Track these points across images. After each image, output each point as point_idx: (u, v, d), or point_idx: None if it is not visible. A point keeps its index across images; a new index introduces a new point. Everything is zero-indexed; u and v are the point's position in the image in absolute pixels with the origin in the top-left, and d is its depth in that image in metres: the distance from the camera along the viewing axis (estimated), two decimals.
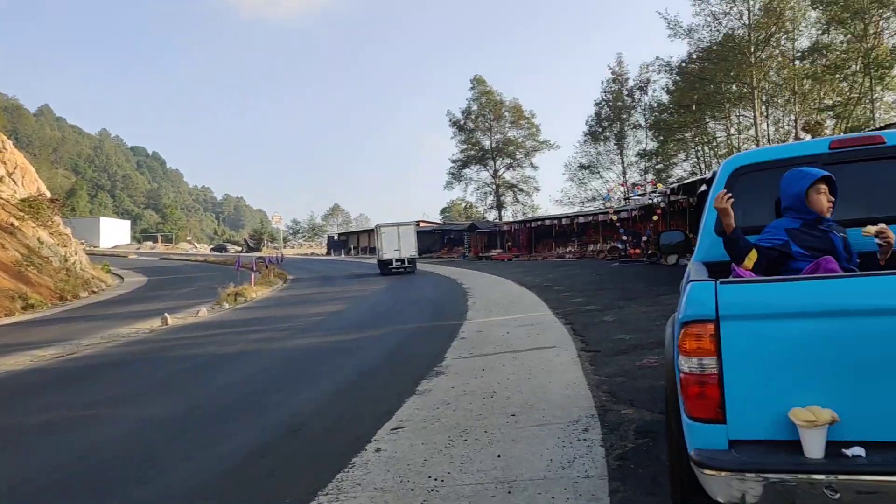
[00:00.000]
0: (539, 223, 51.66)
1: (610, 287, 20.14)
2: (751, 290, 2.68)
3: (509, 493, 4.76)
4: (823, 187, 3.87)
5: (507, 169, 72.03)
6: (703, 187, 5.18)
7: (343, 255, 78.88)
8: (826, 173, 3.87)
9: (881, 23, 33.49)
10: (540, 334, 12.01)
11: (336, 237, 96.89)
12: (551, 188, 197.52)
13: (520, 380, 8.35)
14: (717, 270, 3.74)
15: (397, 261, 37.49)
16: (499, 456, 5.54)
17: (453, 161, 73.31)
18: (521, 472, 5.14)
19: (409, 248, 38.27)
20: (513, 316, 15.03)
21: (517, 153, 70.87)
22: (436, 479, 5.12)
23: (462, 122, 72.22)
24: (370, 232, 67.48)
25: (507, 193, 72.47)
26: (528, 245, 51.71)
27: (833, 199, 3.88)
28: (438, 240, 71.94)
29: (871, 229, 3.71)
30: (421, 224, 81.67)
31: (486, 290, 23.23)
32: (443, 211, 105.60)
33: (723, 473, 2.52)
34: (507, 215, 70.77)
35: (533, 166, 71.98)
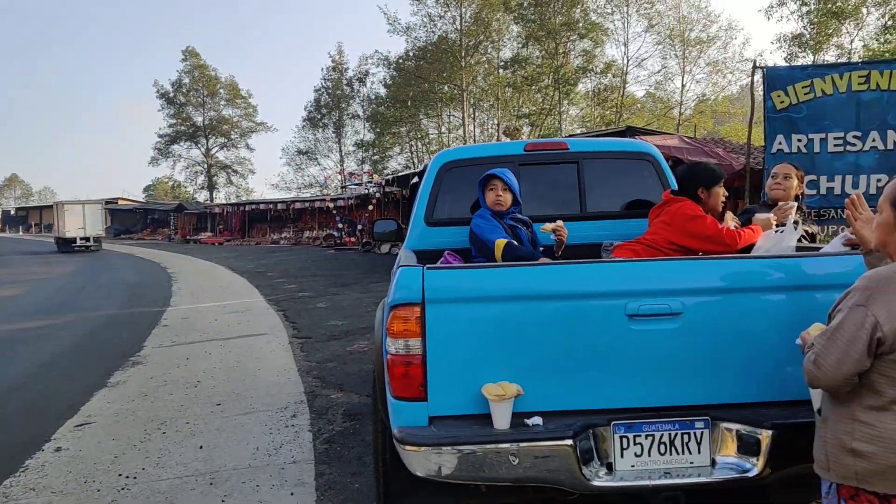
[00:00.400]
0: (254, 207, 50.35)
1: (325, 274, 20.31)
2: (454, 275, 2.84)
3: (211, 484, 4.57)
4: (495, 183, 4.11)
5: (221, 148, 69.07)
6: (416, 179, 5.47)
7: (21, 233, 69.73)
8: (494, 172, 4.11)
9: (568, 44, 37.87)
10: (251, 321, 11.72)
11: (13, 212, 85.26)
12: (268, 172, 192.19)
13: (228, 368, 8.07)
14: (426, 257, 3.93)
15: (82, 239, 35.26)
16: (201, 447, 5.29)
17: (161, 136, 68.46)
18: (224, 463, 4.96)
19: (96, 227, 36.48)
20: (223, 302, 14.47)
21: (232, 133, 68.22)
22: (128, 477, 4.74)
23: (172, 95, 67.62)
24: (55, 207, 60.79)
25: (220, 174, 69.55)
26: (242, 229, 50.18)
27: (501, 195, 4.09)
28: (141, 220, 66.84)
29: (549, 226, 4.16)
30: (120, 202, 74.91)
31: (194, 274, 22.10)
32: (147, 189, 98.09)
33: (422, 448, 2.65)
34: (220, 197, 67.98)
35: (249, 147, 69.81)
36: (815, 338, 2.19)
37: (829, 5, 27.04)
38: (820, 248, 3.28)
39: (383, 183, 32.99)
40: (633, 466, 2.76)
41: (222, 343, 9.67)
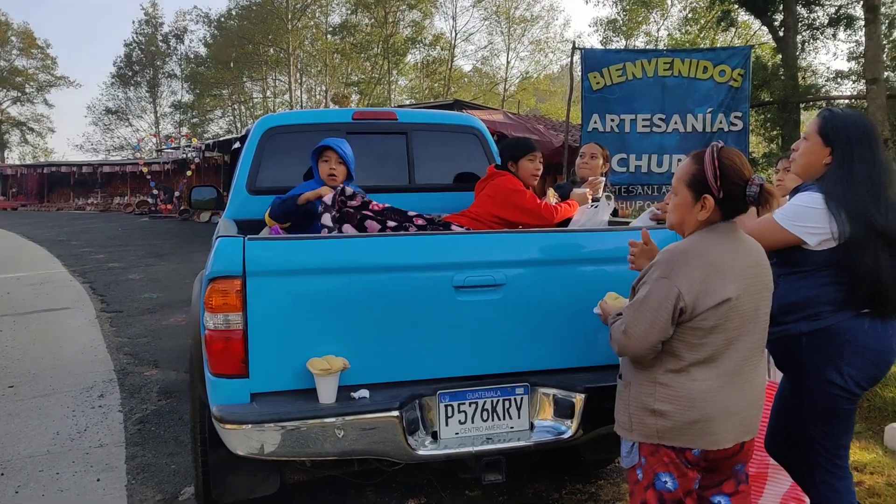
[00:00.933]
0: (54, 169, 45.90)
1: (138, 243, 19.01)
2: (276, 247, 2.73)
3: (2, 475, 4.15)
4: (329, 155, 4.00)
5: (14, 103, 62.12)
6: (237, 145, 5.18)
7: None
8: (326, 143, 4.01)
9: (398, 13, 37.80)
10: (51, 294, 10.74)
11: None
12: (72, 131, 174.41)
13: (22, 346, 7.35)
14: (247, 227, 3.76)
15: None
16: None
17: None
18: (18, 451, 4.52)
19: None
20: (17, 274, 13.14)
21: (27, 86, 61.53)
22: None
23: None
24: None
25: (13, 132, 62.63)
26: (40, 193, 45.68)
27: (335, 168, 3.99)
28: None
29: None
30: None
31: None
32: None
33: (243, 427, 2.54)
34: (13, 157, 61.30)
35: (48, 104, 63.26)
36: (622, 309, 2.32)
37: None
38: (629, 223, 3.49)
39: (203, 148, 31.33)
40: (457, 434, 2.82)
41: (15, 319, 8.79)
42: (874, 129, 2.76)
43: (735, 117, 13.22)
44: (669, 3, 29.08)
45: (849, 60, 17.14)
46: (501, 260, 2.87)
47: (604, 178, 4.64)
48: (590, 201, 4.14)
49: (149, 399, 5.65)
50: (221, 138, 32.01)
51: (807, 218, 2.64)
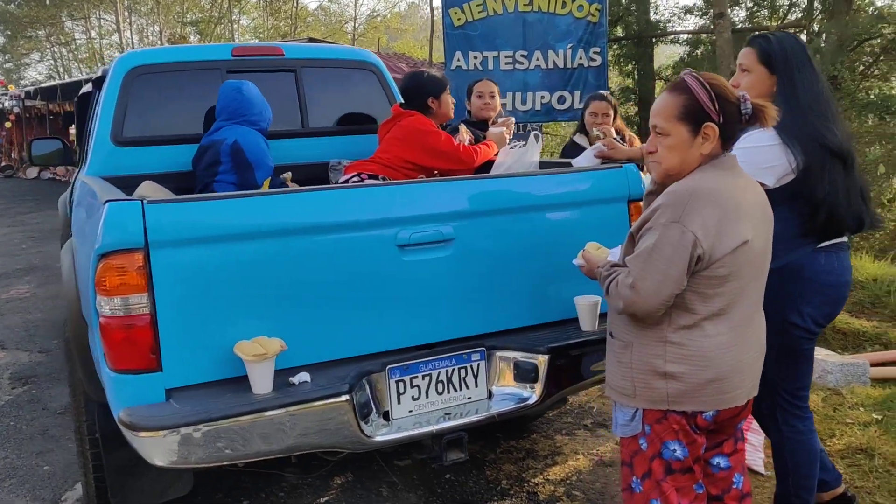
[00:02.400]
0: None
1: None
2: (185, 209, 2.22)
3: None
4: None
5: None
6: (88, 87, 4.46)
7: None
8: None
9: None
10: None
11: None
12: None
13: None
14: (119, 186, 3.17)
15: None
16: None
17: None
18: None
19: None
20: None
21: None
22: None
23: None
24: None
25: None
26: None
27: None
28: None
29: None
30: None
31: None
32: None
33: (161, 433, 2.07)
34: None
35: None
36: (627, 260, 2.04)
37: None
38: (569, 163, 3.22)
39: (22, 96, 28.16)
40: (410, 412, 2.49)
41: None
42: (806, 46, 2.63)
43: (594, 52, 13.35)
44: None
45: None
46: (449, 211, 2.52)
47: (513, 118, 4.35)
48: (508, 141, 3.85)
49: (0, 387, 4.88)
50: (43, 84, 28.92)
51: (763, 158, 2.46)
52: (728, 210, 1.98)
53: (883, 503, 2.99)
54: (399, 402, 2.47)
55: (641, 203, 2.76)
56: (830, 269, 2.48)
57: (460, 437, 2.49)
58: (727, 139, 2.07)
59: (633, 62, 16.13)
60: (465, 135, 3.77)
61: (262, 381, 2.22)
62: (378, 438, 2.34)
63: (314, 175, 3.98)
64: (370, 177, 3.53)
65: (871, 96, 12.22)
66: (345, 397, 2.26)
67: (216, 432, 2.11)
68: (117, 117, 3.70)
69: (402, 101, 3.75)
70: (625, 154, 2.87)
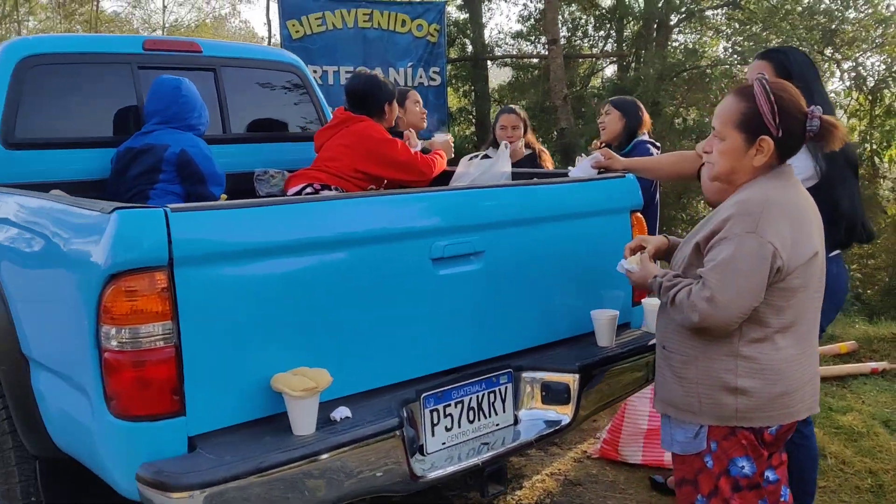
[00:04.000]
0: None
1: None
2: (216, 218, 1.84)
3: None
4: None
5: None
6: None
7: None
8: None
9: None
10: None
11: None
12: None
13: None
14: None
15: None
16: None
17: None
18: None
19: None
20: None
21: None
22: None
23: None
24: None
25: None
26: None
27: None
28: None
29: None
30: None
31: None
32: None
33: (204, 491, 1.68)
34: None
35: None
36: (704, 272, 1.95)
37: None
38: (565, 174, 3.12)
39: None
40: (444, 444, 2.25)
41: None
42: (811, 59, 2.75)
43: (434, 72, 13.55)
44: None
45: (518, 21, 18.56)
46: (480, 222, 2.32)
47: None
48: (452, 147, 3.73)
49: None
50: None
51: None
52: (800, 221, 1.98)
53: (849, 500, 3.16)
54: (433, 434, 2.23)
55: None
56: (839, 276, 2.58)
57: (501, 468, 2.29)
58: (786, 154, 2.04)
59: (470, 83, 16.54)
60: (415, 142, 3.57)
61: (305, 420, 1.89)
62: (430, 476, 2.09)
63: (238, 186, 3.58)
64: (323, 187, 3.23)
65: (689, 122, 13.41)
66: (397, 433, 1.98)
67: (266, 485, 1.75)
68: (7, 115, 3.11)
69: (347, 105, 3.48)
70: (622, 164, 2.83)
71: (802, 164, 2.49)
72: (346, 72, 12.79)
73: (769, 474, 2.16)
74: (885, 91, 13.82)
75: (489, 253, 2.34)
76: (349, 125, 3.35)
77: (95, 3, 34.46)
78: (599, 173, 2.85)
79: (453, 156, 3.77)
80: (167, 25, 36.24)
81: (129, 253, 1.72)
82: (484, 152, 3.41)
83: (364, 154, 3.25)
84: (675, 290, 2.01)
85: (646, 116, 4.06)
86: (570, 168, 3.11)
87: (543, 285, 2.51)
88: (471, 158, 3.47)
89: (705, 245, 2.00)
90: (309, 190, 3.21)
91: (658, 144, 4.09)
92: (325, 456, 1.84)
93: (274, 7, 15.02)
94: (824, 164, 2.47)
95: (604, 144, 4.02)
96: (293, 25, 12.81)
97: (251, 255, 1.88)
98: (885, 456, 3.48)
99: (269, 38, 12.40)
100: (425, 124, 4.10)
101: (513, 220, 2.41)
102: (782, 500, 2.20)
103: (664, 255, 2.36)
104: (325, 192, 3.09)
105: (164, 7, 36.20)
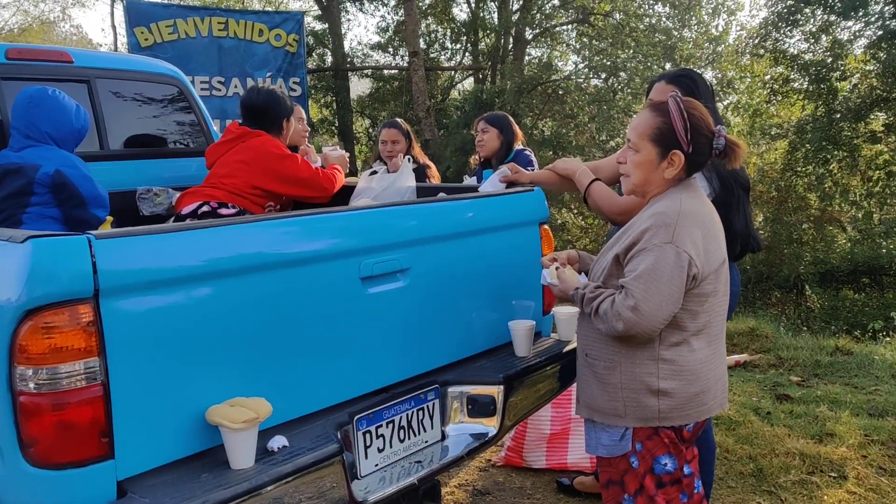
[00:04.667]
0: None
1: None
2: (141, 244, 1.71)
3: None
4: None
5: None
6: None
7: None
8: None
9: None
10: None
11: None
12: None
13: None
14: None
15: None
16: None
17: None
18: None
19: None
20: None
21: None
22: None
23: None
24: None
25: None
26: None
27: None
28: None
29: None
30: None
31: None
32: None
33: None
34: None
35: None
36: (626, 283, 2.04)
37: None
38: (475, 188, 3.14)
39: None
40: (377, 466, 2.21)
41: None
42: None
43: (294, 83, 13.40)
44: None
45: (377, 33, 18.67)
46: (405, 239, 2.30)
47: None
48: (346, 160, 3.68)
49: None
50: None
51: None
52: (710, 231, 2.12)
53: (735, 485, 3.41)
54: (367, 457, 2.18)
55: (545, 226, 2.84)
56: (734, 280, 2.78)
57: (435, 485, 2.28)
58: (693, 168, 2.17)
59: (331, 94, 16.41)
60: (315, 157, 3.49)
61: (245, 453, 1.79)
62: (369, 500, 2.04)
63: (120, 206, 3.36)
64: (220, 205, 3.10)
65: (546, 133, 13.99)
66: (337, 458, 1.93)
67: None
68: None
69: (242, 119, 3.36)
70: (528, 178, 2.91)
71: (702, 186, 2.66)
72: (202, 82, 12.37)
73: (685, 468, 2.29)
74: (719, 103, 15.09)
75: (414, 269, 2.32)
76: (245, 140, 3.22)
77: None
78: (507, 188, 2.91)
79: (348, 170, 3.72)
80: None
81: (47, 286, 1.56)
82: (373, 168, 3.40)
83: (263, 170, 3.14)
84: (599, 301, 2.09)
85: (517, 128, 4.21)
86: (465, 177, 3.16)
87: (463, 299, 2.53)
88: (371, 174, 3.45)
89: (625, 256, 2.10)
90: (206, 208, 3.05)
91: (531, 150, 4.25)
92: (269, 488, 1.76)
93: (119, 13, 14.22)
94: (718, 185, 2.62)
95: (482, 160, 4.13)
96: (142, 33, 12.24)
97: (181, 282, 1.76)
98: (761, 442, 3.77)
99: (115, 45, 11.70)
100: (306, 141, 4.02)
101: (435, 236, 2.41)
102: (696, 491, 2.33)
103: (575, 268, 2.44)
104: (249, 214, 2.97)
105: None
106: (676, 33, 15.11)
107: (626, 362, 2.12)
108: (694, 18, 15.63)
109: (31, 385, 1.58)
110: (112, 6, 11.67)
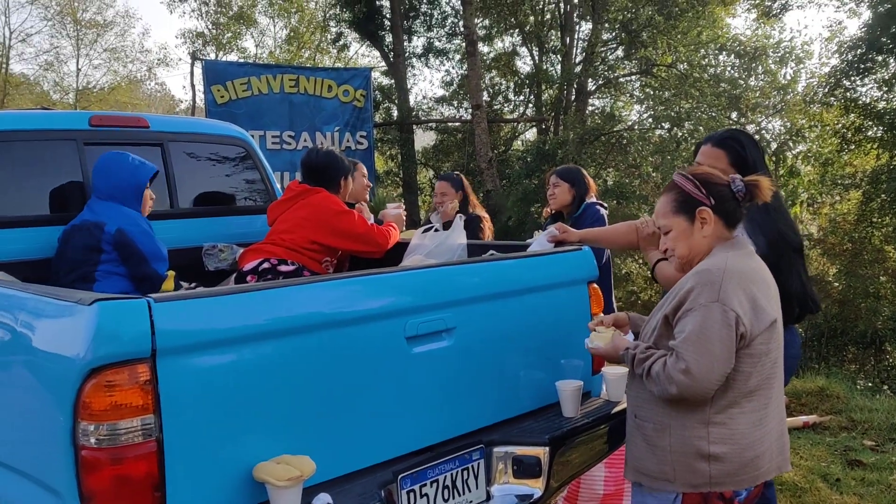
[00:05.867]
0: None
1: None
2: (197, 307, 1.82)
3: None
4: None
5: None
6: None
7: None
8: (155, 169, 3.28)
9: None
10: None
11: None
12: None
13: None
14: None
15: None
16: None
17: None
18: None
19: None
20: None
21: None
22: None
23: None
24: None
25: None
26: None
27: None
28: None
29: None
30: None
31: None
32: None
33: None
34: None
35: None
36: (675, 345, 2.04)
37: (228, 10, 28.19)
38: (524, 247, 3.19)
39: None
40: None
41: None
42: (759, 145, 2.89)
43: (361, 136, 13.74)
44: (268, 21, 28.95)
45: (441, 87, 19.12)
46: (451, 299, 2.36)
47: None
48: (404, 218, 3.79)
49: None
50: None
51: None
52: (758, 288, 2.10)
53: None
54: None
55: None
56: (792, 343, 2.72)
57: None
58: (729, 218, 2.18)
59: (396, 146, 16.79)
60: (369, 215, 3.61)
61: None
62: None
63: (186, 261, 3.53)
64: (280, 262, 3.23)
65: (609, 183, 13.93)
66: None
67: None
68: None
69: (302, 178, 3.52)
70: (577, 237, 2.95)
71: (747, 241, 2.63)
72: (273, 136, 12.86)
73: None
74: (787, 153, 14.78)
75: (460, 329, 2.37)
76: (305, 197, 3.38)
77: (4, 65, 33.50)
78: (556, 247, 2.94)
79: (405, 228, 3.83)
80: (80, 88, 35.52)
81: (110, 346, 1.67)
82: (430, 219, 3.50)
83: (321, 225, 3.28)
84: (650, 363, 2.09)
85: (591, 181, 4.26)
86: (536, 232, 3.22)
87: (510, 358, 2.56)
88: (424, 231, 3.54)
89: (673, 317, 2.10)
90: (266, 265, 3.19)
91: (605, 204, 4.28)
92: None
93: (198, 72, 14.97)
94: (765, 246, 2.57)
95: (553, 212, 4.19)
96: (218, 90, 12.80)
97: (233, 343, 1.86)
98: None
99: (193, 103, 12.31)
100: (368, 196, 4.18)
101: (482, 296, 2.46)
102: None
103: (625, 331, 2.45)
104: (306, 276, 3.13)
105: (79, 70, 35.52)
106: (742, 83, 14.95)
107: (675, 425, 2.10)
108: (760, 67, 15.47)
109: (93, 440, 1.68)
110: (192, 66, 12.27)
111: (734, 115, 13.86)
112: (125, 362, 1.69)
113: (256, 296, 1.94)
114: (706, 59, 15.30)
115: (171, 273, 3.22)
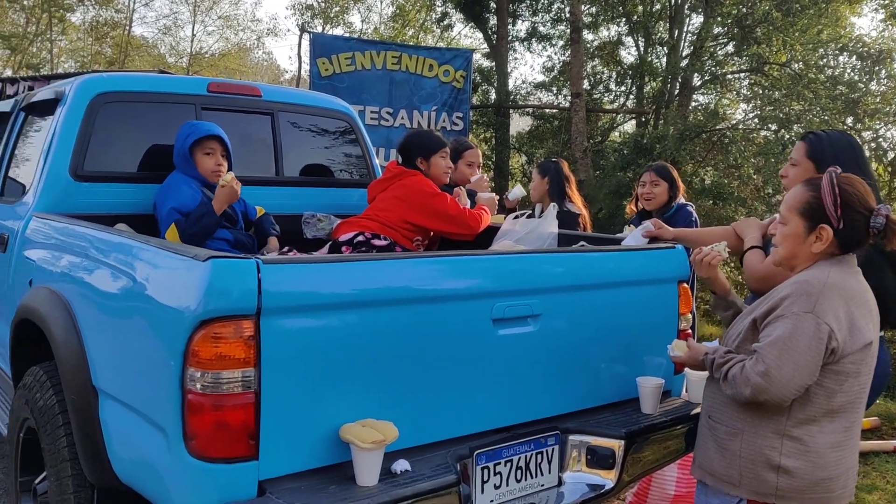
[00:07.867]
0: None
1: None
2: (304, 272, 1.93)
3: None
4: (213, 147, 3.32)
5: None
6: (5, 107, 3.69)
7: None
8: (215, 132, 3.32)
9: None
10: None
11: None
12: None
13: None
14: None
15: None
16: None
17: None
18: None
19: None
20: None
21: None
22: None
23: None
24: None
25: None
26: None
27: (222, 163, 3.36)
28: None
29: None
30: None
31: None
32: None
33: None
34: None
35: None
36: (759, 348, 2.02)
37: None
38: (616, 241, 3.21)
39: None
40: (491, 501, 2.30)
41: None
42: (860, 147, 2.79)
43: (457, 117, 13.77)
44: None
45: (542, 72, 18.93)
46: (539, 286, 2.40)
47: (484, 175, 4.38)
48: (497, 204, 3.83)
49: None
50: None
51: None
52: (857, 308, 2.04)
53: None
54: (483, 491, 2.28)
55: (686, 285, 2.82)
56: (883, 359, 2.64)
57: None
58: (847, 246, 2.10)
59: (492, 129, 16.78)
60: (465, 200, 3.67)
61: (370, 472, 1.95)
62: None
63: (285, 227, 3.69)
64: (374, 236, 3.33)
65: (707, 182, 13.53)
66: (454, 489, 2.04)
67: None
68: (78, 148, 3.23)
69: (400, 159, 3.62)
70: (672, 234, 2.92)
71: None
72: (372, 112, 13.06)
73: None
74: None
75: (545, 316, 2.41)
76: (402, 179, 3.47)
77: (128, 28, 35.21)
78: (649, 243, 2.93)
79: (496, 212, 3.87)
80: (193, 53, 36.97)
81: (220, 301, 1.80)
82: (522, 212, 3.53)
83: (415, 206, 3.37)
84: (729, 366, 2.08)
85: (680, 181, 4.19)
86: (626, 227, 3.21)
87: (593, 350, 2.58)
88: (515, 217, 3.58)
89: (762, 321, 2.07)
90: (360, 238, 3.31)
91: (693, 206, 4.21)
92: None
93: (305, 44, 15.34)
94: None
95: (640, 211, 4.14)
96: (323, 63, 13.09)
97: (331, 309, 1.96)
98: None
99: (299, 74, 12.65)
100: (446, 181, 4.22)
101: (570, 286, 2.49)
102: None
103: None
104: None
105: (193, 35, 36.98)
106: (862, 86, 14.17)
107: (749, 431, 2.09)
108: (884, 71, 14.62)
109: (199, 385, 1.82)
110: (300, 38, 12.58)
111: (850, 120, 13.16)
112: (232, 317, 1.81)
113: (355, 266, 2.04)
114: (824, 60, 14.58)
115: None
